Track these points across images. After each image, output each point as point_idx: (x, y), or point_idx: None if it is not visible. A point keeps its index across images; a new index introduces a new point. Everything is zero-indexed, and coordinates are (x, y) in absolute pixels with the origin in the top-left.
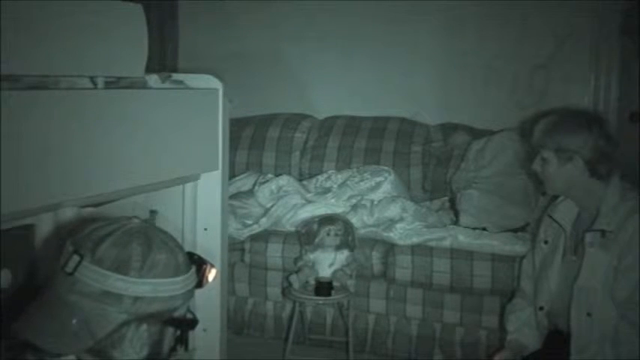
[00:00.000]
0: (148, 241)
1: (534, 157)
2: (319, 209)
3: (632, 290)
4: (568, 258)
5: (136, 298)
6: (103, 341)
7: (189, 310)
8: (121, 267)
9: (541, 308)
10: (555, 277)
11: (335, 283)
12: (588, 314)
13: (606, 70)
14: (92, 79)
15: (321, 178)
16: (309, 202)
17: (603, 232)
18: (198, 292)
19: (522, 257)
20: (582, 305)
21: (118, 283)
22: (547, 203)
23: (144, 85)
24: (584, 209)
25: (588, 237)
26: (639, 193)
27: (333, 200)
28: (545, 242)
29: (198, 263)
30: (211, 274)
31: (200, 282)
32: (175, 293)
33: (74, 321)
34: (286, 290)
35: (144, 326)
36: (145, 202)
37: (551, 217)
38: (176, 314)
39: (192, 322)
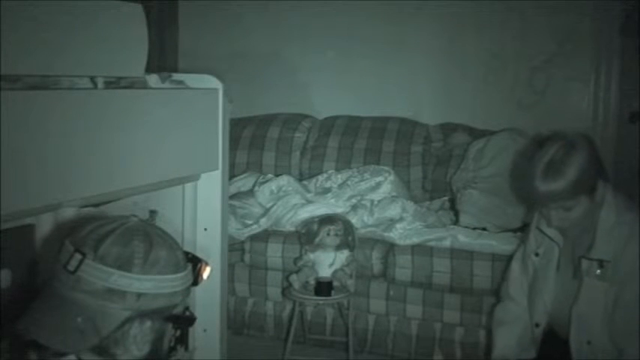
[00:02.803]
0: (149, 238)
1: (535, 209)
2: (319, 209)
3: (632, 325)
4: (563, 274)
5: (140, 295)
6: (106, 339)
7: (186, 308)
8: (123, 264)
9: (537, 325)
10: (550, 292)
11: (335, 283)
12: (588, 342)
13: (606, 70)
14: (92, 79)
15: (321, 178)
16: (309, 202)
17: (601, 262)
18: (198, 292)
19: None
20: (582, 332)
21: (121, 279)
22: (535, 215)
23: (144, 85)
24: (578, 230)
25: (585, 264)
26: (637, 212)
27: (333, 200)
28: (537, 255)
29: (193, 261)
30: (206, 272)
31: (196, 280)
32: (176, 289)
33: (79, 319)
34: (286, 290)
35: (148, 323)
36: (145, 202)
37: (541, 230)
38: (175, 311)
39: (190, 320)
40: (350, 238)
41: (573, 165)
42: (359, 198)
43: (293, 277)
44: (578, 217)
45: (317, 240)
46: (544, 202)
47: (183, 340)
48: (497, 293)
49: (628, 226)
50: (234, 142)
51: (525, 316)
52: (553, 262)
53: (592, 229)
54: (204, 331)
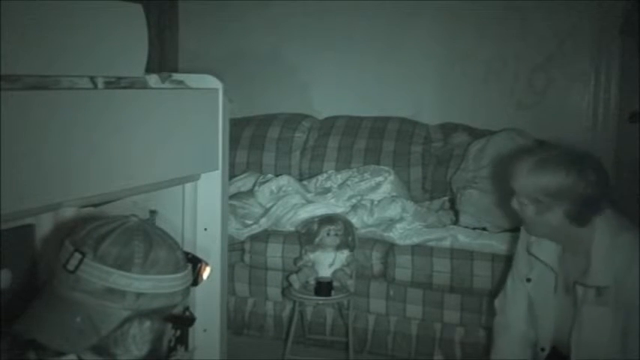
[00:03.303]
0: (148, 238)
1: (511, 195)
2: (319, 209)
3: None
4: (563, 298)
5: (139, 295)
6: (105, 338)
7: (186, 308)
8: (123, 264)
9: (542, 349)
10: (551, 317)
11: (335, 283)
12: None
13: (606, 70)
14: (92, 79)
15: (321, 178)
16: (309, 202)
17: (598, 288)
18: (198, 292)
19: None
20: (584, 358)
21: (121, 279)
22: (522, 236)
23: (144, 85)
24: (569, 251)
25: (580, 290)
26: (636, 231)
27: (333, 200)
28: (529, 280)
29: (193, 261)
30: (206, 272)
31: (195, 280)
32: (176, 289)
33: (78, 318)
34: (286, 290)
35: (147, 323)
36: (145, 202)
37: (531, 254)
38: (174, 311)
39: (190, 320)
40: (350, 238)
41: (550, 165)
42: (359, 198)
43: (293, 277)
44: (544, 226)
45: (317, 240)
46: (510, 182)
47: (183, 340)
48: (497, 293)
49: (627, 248)
50: (234, 142)
51: (525, 335)
52: (550, 288)
53: (586, 252)
54: (204, 331)
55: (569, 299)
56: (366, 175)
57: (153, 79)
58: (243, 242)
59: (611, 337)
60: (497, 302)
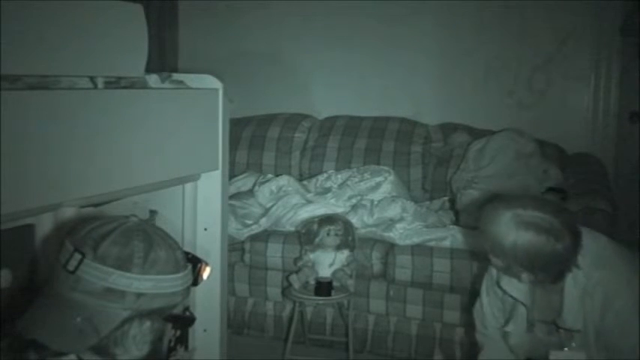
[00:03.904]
0: (148, 238)
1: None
2: (319, 209)
3: None
4: (537, 330)
5: (139, 295)
6: (105, 338)
7: (186, 308)
8: (123, 264)
9: None
10: (527, 347)
11: (335, 283)
12: None
13: (606, 70)
14: (92, 79)
15: (321, 178)
16: (309, 202)
17: (571, 332)
18: (198, 292)
19: None
20: None
21: (120, 279)
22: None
23: (144, 85)
24: (540, 288)
25: (562, 332)
26: (613, 266)
27: (333, 200)
28: (501, 319)
29: (193, 261)
30: (206, 272)
31: (195, 280)
32: (176, 289)
33: (78, 319)
34: (286, 290)
35: (147, 323)
36: (145, 202)
37: (501, 287)
38: (174, 311)
39: (190, 320)
40: (350, 238)
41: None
42: (359, 198)
43: (293, 277)
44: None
45: (317, 240)
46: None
47: (183, 340)
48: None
49: (602, 285)
50: (234, 142)
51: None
52: (522, 324)
53: (560, 291)
54: (204, 331)
55: (545, 332)
56: (366, 175)
57: (153, 79)
58: (243, 242)
59: None
60: (474, 312)
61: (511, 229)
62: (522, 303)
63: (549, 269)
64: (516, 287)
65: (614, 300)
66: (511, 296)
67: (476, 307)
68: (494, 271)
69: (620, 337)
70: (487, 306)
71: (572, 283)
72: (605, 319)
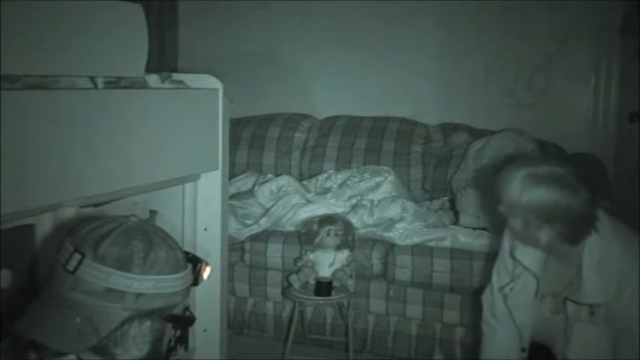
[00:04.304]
0: (148, 238)
1: (499, 200)
2: (319, 209)
3: None
4: (543, 308)
5: (139, 295)
6: (105, 338)
7: (186, 308)
8: (123, 264)
9: (523, 350)
10: (529, 321)
11: (335, 283)
12: None
13: (606, 70)
14: (92, 79)
15: (321, 178)
16: (309, 202)
17: (591, 306)
18: (198, 292)
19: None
20: None
21: (120, 280)
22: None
23: (144, 85)
24: (555, 259)
25: (571, 307)
26: (628, 242)
27: (333, 200)
28: (511, 289)
29: (193, 261)
30: (206, 272)
31: (196, 280)
32: (176, 289)
33: (78, 319)
34: (286, 290)
35: (147, 323)
36: (145, 202)
37: (514, 257)
38: (174, 311)
39: (190, 320)
40: (350, 238)
41: (539, 185)
42: (359, 198)
43: (293, 277)
44: (533, 241)
45: (317, 240)
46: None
47: (183, 340)
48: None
49: (619, 264)
50: (234, 142)
51: (514, 336)
52: (530, 293)
53: (575, 264)
54: (204, 331)
55: (552, 311)
56: (366, 175)
57: (153, 79)
58: (243, 242)
59: (602, 355)
60: (483, 298)
61: (527, 185)
62: (534, 275)
63: (568, 224)
64: (530, 257)
65: (631, 279)
66: (524, 266)
67: (485, 293)
68: (506, 244)
69: (634, 318)
70: (496, 283)
71: (589, 255)
72: (620, 298)
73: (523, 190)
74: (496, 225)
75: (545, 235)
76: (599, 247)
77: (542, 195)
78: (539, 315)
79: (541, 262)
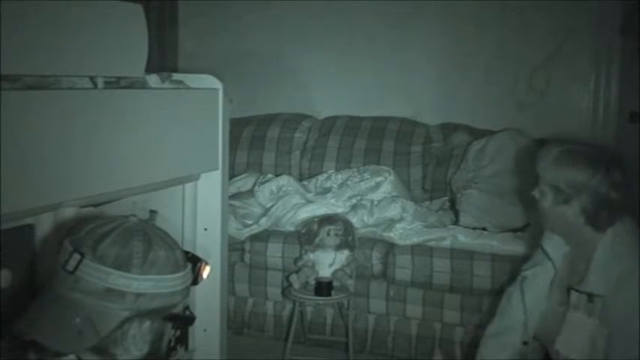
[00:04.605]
0: (148, 238)
1: (537, 183)
2: (319, 209)
3: None
4: (553, 299)
5: (139, 295)
6: (105, 338)
7: (186, 308)
8: (122, 264)
9: (525, 343)
10: (538, 311)
11: (335, 283)
12: None
13: (606, 70)
14: (92, 79)
15: (321, 178)
16: (309, 202)
17: (590, 296)
18: (198, 292)
19: (522, 258)
20: None
21: (120, 280)
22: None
23: (144, 85)
24: (576, 256)
25: (573, 296)
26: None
27: (333, 200)
28: (531, 272)
29: (192, 261)
30: (205, 271)
31: (195, 279)
32: (176, 289)
33: (78, 319)
34: (286, 290)
35: (147, 323)
36: (145, 202)
37: (541, 246)
38: (174, 311)
39: (190, 319)
40: (350, 238)
41: (579, 157)
42: (359, 198)
43: (293, 277)
44: (557, 219)
45: (317, 240)
46: (537, 169)
47: (183, 340)
48: (497, 293)
49: (626, 261)
50: (234, 142)
51: (517, 342)
52: (545, 284)
53: (587, 259)
54: (204, 331)
55: (558, 303)
56: (366, 175)
57: (153, 79)
58: (243, 242)
59: (592, 349)
60: (507, 290)
61: (564, 158)
62: (554, 265)
63: (596, 203)
64: (555, 247)
65: (632, 278)
66: (547, 254)
67: (511, 285)
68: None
69: (630, 317)
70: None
71: (602, 247)
72: (618, 294)
73: (558, 163)
74: (498, 225)
75: (572, 211)
76: (612, 241)
77: (575, 168)
78: (547, 306)
79: (564, 255)
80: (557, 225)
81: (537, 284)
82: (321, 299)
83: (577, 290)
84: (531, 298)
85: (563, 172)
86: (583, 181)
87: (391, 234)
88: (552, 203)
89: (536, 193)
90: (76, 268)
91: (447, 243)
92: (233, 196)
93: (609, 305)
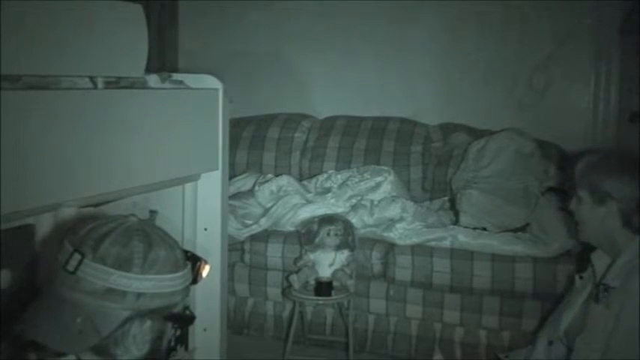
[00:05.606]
0: (148, 238)
1: (573, 196)
2: (319, 209)
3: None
4: (587, 302)
5: (139, 295)
6: (106, 339)
7: (186, 307)
8: (123, 264)
9: (550, 343)
10: (570, 315)
11: (335, 283)
12: None
13: (606, 70)
14: (92, 79)
15: (321, 178)
16: (309, 202)
17: (607, 287)
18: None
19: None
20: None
21: (121, 280)
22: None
23: (144, 85)
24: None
25: (595, 291)
26: None
27: (333, 200)
28: (581, 277)
29: (192, 260)
30: (205, 270)
31: (195, 278)
32: (176, 289)
33: (79, 319)
34: (286, 290)
35: (147, 323)
36: (145, 202)
37: (589, 259)
38: (175, 311)
39: (190, 319)
40: (350, 238)
41: (616, 161)
42: (359, 198)
43: (293, 277)
44: (595, 224)
45: (317, 240)
46: (574, 179)
47: (183, 339)
48: (497, 293)
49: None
50: (234, 142)
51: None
52: (584, 294)
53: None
54: (204, 330)
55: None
56: (366, 175)
57: (153, 79)
58: (243, 242)
59: (607, 342)
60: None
61: (603, 163)
62: (595, 276)
63: (636, 207)
64: (601, 261)
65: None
66: (593, 269)
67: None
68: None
69: (630, 315)
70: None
71: (630, 248)
72: (624, 288)
73: (597, 167)
74: (498, 225)
75: (610, 213)
76: (630, 255)
77: (614, 172)
78: (580, 311)
79: (605, 268)
80: (596, 230)
81: (582, 285)
82: (321, 299)
83: (597, 284)
84: (574, 296)
85: (600, 174)
86: (620, 181)
87: (391, 234)
88: (590, 208)
89: (573, 205)
90: (76, 268)
91: (447, 243)
92: (233, 196)
93: (619, 295)
